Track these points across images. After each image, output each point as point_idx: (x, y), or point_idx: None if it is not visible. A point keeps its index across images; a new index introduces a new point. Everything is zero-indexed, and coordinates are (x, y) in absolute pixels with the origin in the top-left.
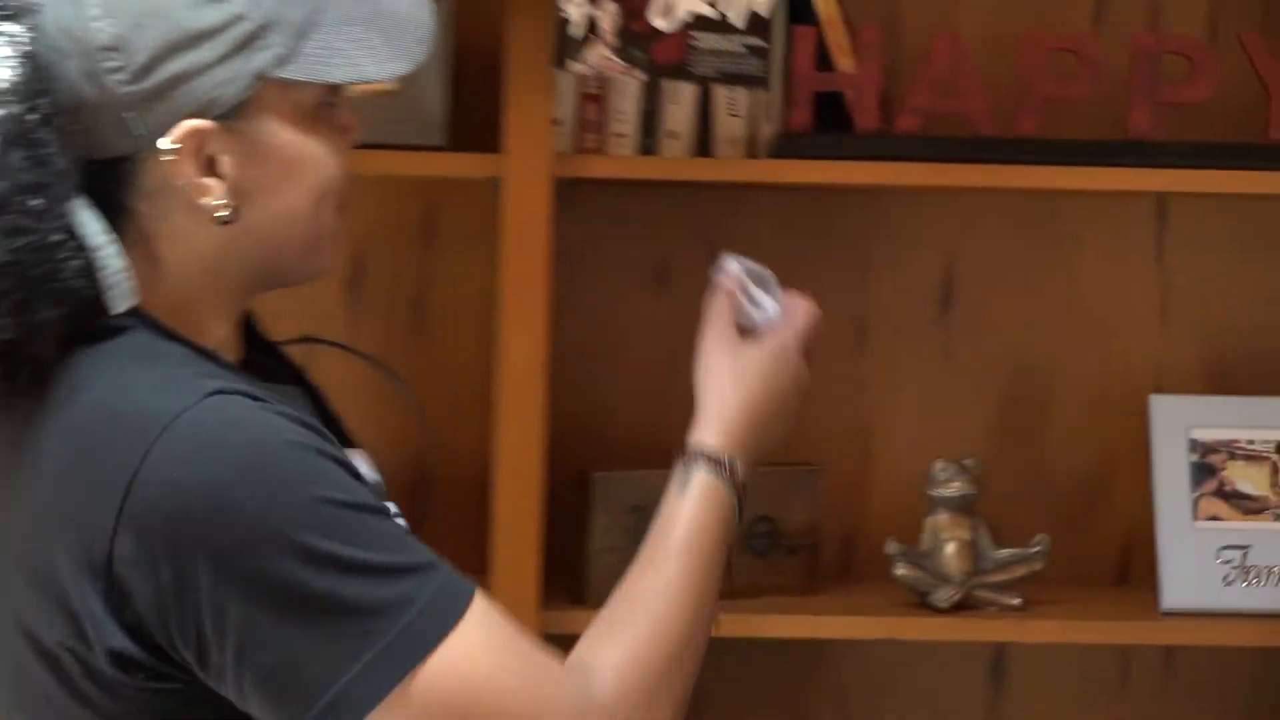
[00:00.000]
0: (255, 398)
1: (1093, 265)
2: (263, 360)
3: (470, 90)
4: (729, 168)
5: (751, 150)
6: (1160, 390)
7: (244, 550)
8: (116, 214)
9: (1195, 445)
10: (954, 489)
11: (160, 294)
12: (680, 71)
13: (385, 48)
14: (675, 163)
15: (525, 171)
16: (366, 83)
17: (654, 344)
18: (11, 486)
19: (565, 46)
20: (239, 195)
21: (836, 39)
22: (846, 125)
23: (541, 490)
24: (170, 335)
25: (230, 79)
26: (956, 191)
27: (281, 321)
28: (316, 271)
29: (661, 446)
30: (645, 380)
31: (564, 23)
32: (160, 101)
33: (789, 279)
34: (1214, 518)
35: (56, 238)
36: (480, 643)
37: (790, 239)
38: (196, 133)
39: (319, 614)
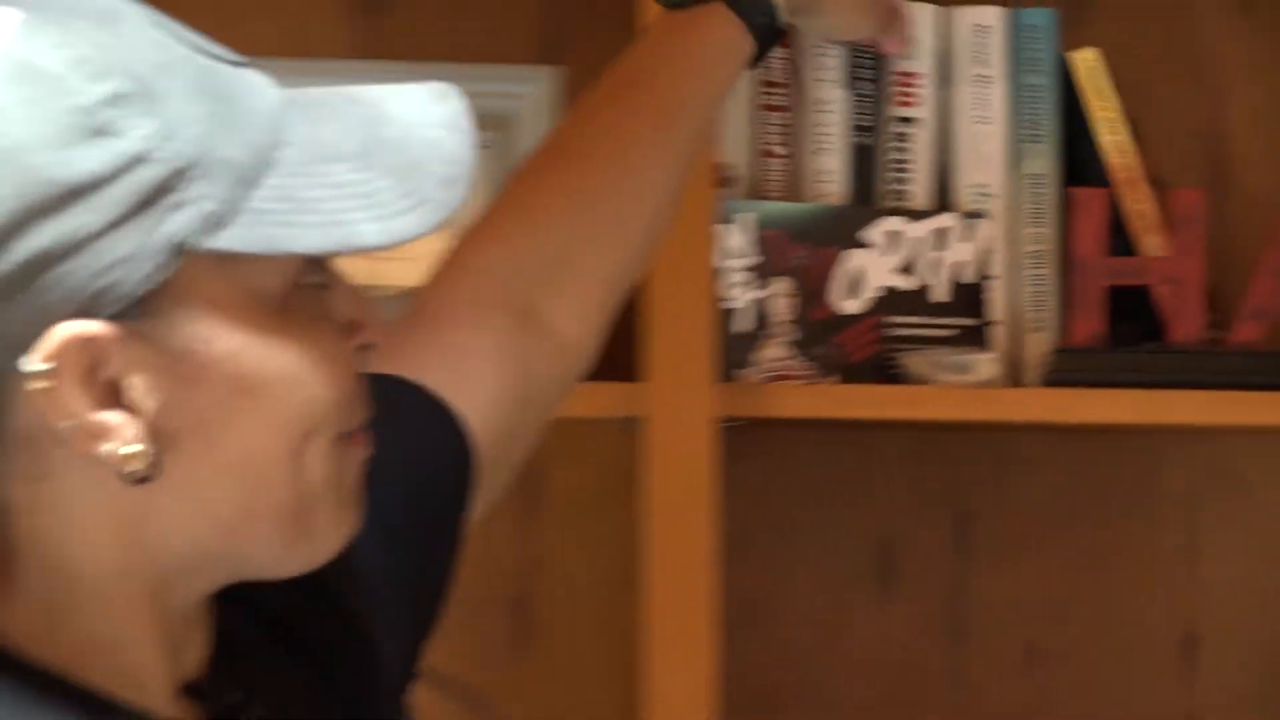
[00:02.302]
0: None
1: None
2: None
3: None
4: (981, 400)
5: (1014, 374)
6: None
7: None
8: None
9: None
10: None
11: (17, 620)
12: (878, 369)
13: (394, 191)
14: (902, 392)
15: (676, 408)
16: (361, 250)
17: (883, 654)
18: None
19: (729, 350)
20: (163, 439)
21: (1138, 206)
22: (1157, 336)
23: None
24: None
25: (130, 255)
26: None
27: None
28: (311, 559)
29: None
30: None
31: (727, 316)
32: (19, 296)
33: (1073, 573)
34: None
35: None
36: None
37: (1071, 505)
38: (81, 342)
39: None
